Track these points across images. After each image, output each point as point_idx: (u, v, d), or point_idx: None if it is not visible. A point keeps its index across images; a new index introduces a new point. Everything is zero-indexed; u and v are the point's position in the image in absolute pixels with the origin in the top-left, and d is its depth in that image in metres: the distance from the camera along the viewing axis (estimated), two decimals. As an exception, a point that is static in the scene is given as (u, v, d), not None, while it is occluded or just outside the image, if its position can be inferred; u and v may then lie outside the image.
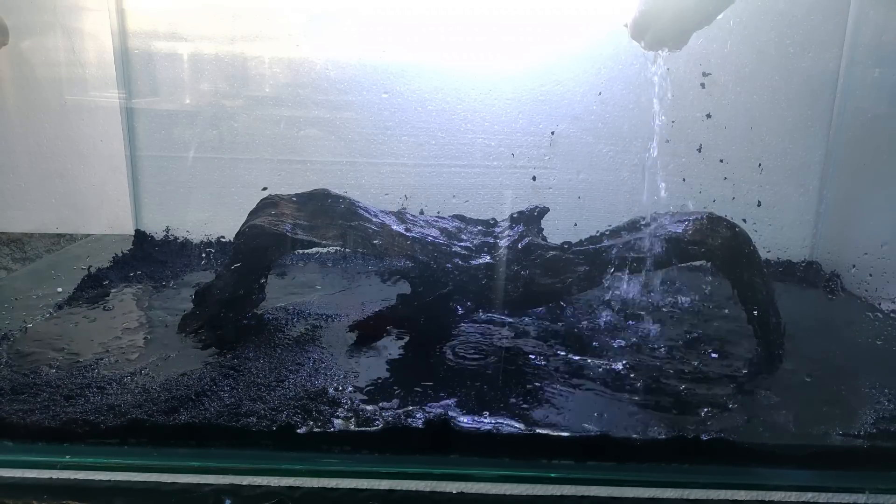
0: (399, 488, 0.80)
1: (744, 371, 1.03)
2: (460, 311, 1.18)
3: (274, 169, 1.63)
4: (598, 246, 1.13)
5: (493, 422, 0.86)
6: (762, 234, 1.19)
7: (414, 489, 0.80)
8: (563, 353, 1.07)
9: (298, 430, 0.83)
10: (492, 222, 1.21)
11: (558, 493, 0.80)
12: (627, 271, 1.12)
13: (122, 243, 1.61)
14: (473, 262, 1.11)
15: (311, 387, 0.94)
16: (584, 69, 1.53)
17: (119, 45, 1.58)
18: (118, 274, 1.44)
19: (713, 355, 1.08)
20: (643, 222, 1.14)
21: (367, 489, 0.80)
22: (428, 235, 1.14)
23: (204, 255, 1.59)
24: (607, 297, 1.28)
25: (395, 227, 1.13)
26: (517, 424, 0.86)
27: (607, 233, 1.17)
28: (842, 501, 0.80)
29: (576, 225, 1.48)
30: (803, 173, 1.58)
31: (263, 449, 0.84)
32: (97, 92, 1.62)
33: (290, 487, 0.80)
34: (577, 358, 1.05)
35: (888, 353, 1.12)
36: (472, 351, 1.08)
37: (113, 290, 1.35)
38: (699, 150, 1.46)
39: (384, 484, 0.80)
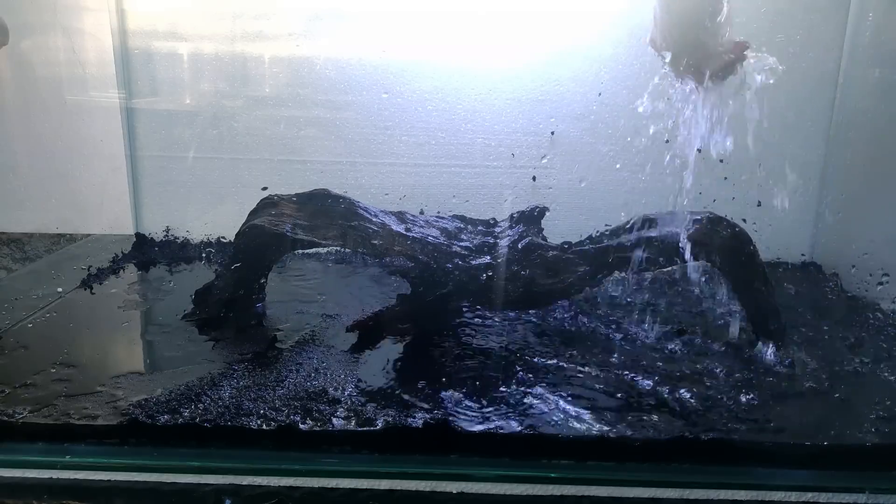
0: (399, 488, 0.80)
1: (744, 371, 1.03)
2: (460, 310, 1.19)
3: (274, 169, 1.63)
4: (598, 246, 1.13)
5: (493, 422, 0.86)
6: (762, 234, 1.19)
7: (414, 489, 0.80)
8: (563, 352, 1.07)
9: (298, 430, 0.84)
10: (492, 222, 1.21)
11: (558, 493, 0.80)
12: (627, 271, 1.12)
13: (122, 243, 1.61)
14: (473, 262, 1.11)
15: (310, 387, 0.94)
16: (584, 69, 1.53)
17: (119, 45, 1.58)
18: (118, 274, 1.45)
19: (713, 355, 1.08)
20: (643, 222, 1.14)
21: (367, 489, 0.80)
22: (428, 235, 1.14)
23: (204, 255, 1.59)
24: (607, 298, 1.29)
25: (395, 227, 1.13)
26: (517, 424, 0.86)
27: (607, 233, 1.17)
28: (842, 501, 0.80)
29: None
30: (803, 173, 1.57)
31: (263, 449, 0.84)
32: (97, 92, 1.62)
33: (290, 487, 0.80)
34: (576, 358, 1.05)
35: (888, 353, 1.12)
36: (472, 351, 1.08)
37: (113, 290, 1.35)
38: (699, 150, 1.46)
39: (384, 484, 0.80)
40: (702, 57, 1.03)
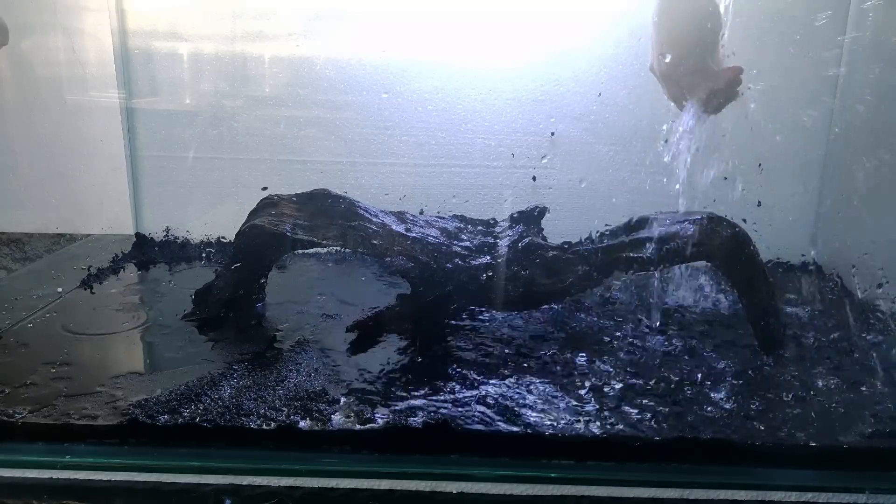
0: (399, 488, 0.80)
1: (744, 371, 1.03)
2: (460, 310, 1.19)
3: (274, 169, 1.63)
4: (597, 246, 1.13)
5: (493, 422, 0.86)
6: (762, 234, 1.19)
7: (414, 489, 0.80)
8: (562, 353, 1.07)
9: (298, 430, 0.84)
10: (492, 222, 1.21)
11: (558, 493, 0.80)
12: (627, 271, 1.12)
13: (122, 243, 1.61)
14: (473, 262, 1.11)
15: (310, 387, 0.94)
16: (584, 69, 1.53)
17: (119, 45, 1.58)
18: (118, 274, 1.45)
19: (713, 355, 1.08)
20: (643, 223, 1.14)
21: (367, 489, 0.80)
22: (428, 235, 1.14)
23: (204, 255, 1.59)
24: (607, 298, 1.29)
25: (395, 227, 1.13)
26: (517, 424, 0.86)
27: (607, 233, 1.17)
28: (842, 501, 0.80)
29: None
30: (803, 173, 1.57)
31: (263, 449, 0.84)
32: (97, 92, 1.62)
33: (290, 487, 0.80)
34: (577, 358, 1.05)
35: (888, 353, 1.12)
36: (472, 351, 1.08)
37: (112, 291, 1.35)
38: (699, 150, 1.46)
39: (384, 484, 0.80)
40: (700, 83, 1.04)
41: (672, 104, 1.13)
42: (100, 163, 1.65)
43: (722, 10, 1.03)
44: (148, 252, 1.59)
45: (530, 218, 1.18)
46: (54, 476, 0.81)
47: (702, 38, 1.03)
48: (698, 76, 1.03)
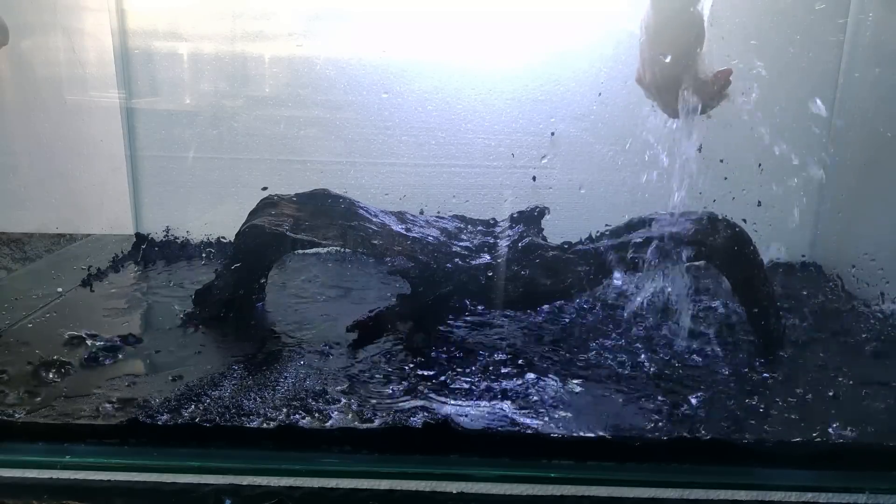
0: (399, 488, 0.80)
1: (743, 371, 1.03)
2: (460, 310, 1.19)
3: (274, 169, 1.63)
4: (598, 246, 1.13)
5: (493, 422, 0.86)
6: (762, 234, 1.19)
7: (414, 489, 0.80)
8: (562, 352, 1.08)
9: (298, 430, 0.84)
10: (492, 222, 1.21)
11: (558, 493, 0.80)
12: (627, 271, 1.12)
13: (122, 243, 1.61)
14: (473, 262, 1.11)
15: (311, 386, 0.94)
16: (584, 69, 1.53)
17: (119, 45, 1.58)
18: (118, 274, 1.45)
19: (713, 355, 1.08)
20: (644, 223, 1.14)
21: (367, 489, 0.80)
22: (428, 235, 1.14)
23: (204, 255, 1.59)
24: (606, 297, 1.29)
25: (395, 227, 1.13)
26: (517, 424, 0.86)
27: (607, 233, 1.17)
28: (842, 501, 0.80)
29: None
30: (803, 173, 1.57)
31: (263, 449, 0.84)
32: (97, 92, 1.62)
33: (290, 487, 0.80)
34: (576, 358, 1.05)
35: (888, 353, 1.12)
36: (472, 351, 1.08)
37: (112, 291, 1.35)
38: (699, 150, 1.46)
39: (384, 484, 0.80)
40: (690, 89, 1.04)
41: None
42: (100, 163, 1.65)
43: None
44: (148, 252, 1.59)
45: (530, 218, 1.18)
46: (54, 476, 0.81)
47: (699, 43, 1.03)
48: (692, 82, 1.04)
